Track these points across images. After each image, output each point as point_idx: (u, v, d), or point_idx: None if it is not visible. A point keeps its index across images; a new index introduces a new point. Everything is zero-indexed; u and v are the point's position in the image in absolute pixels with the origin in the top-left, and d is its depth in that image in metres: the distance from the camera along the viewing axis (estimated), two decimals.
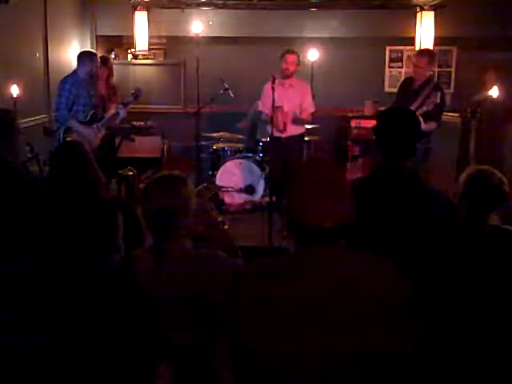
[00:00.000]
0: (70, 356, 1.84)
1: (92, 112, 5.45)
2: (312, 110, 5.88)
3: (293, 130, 5.82)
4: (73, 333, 1.85)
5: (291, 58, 5.70)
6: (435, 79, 6.14)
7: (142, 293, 2.02)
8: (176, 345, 2.05)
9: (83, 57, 5.53)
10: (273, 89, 5.15)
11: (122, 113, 5.65)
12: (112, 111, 5.82)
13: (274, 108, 5.24)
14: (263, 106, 5.89)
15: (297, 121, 5.81)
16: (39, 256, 2.11)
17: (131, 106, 5.86)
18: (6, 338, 1.87)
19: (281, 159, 5.55)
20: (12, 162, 3.13)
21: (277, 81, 5.38)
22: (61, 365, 1.85)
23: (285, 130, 5.69)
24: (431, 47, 7.29)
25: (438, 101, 5.08)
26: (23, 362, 1.86)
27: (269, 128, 5.60)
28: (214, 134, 6.98)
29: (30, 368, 1.86)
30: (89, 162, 2.79)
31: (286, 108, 5.67)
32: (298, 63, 5.77)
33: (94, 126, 5.42)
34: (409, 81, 5.65)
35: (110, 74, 6.50)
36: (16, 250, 2.62)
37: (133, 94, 5.74)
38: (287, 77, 5.73)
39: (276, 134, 5.46)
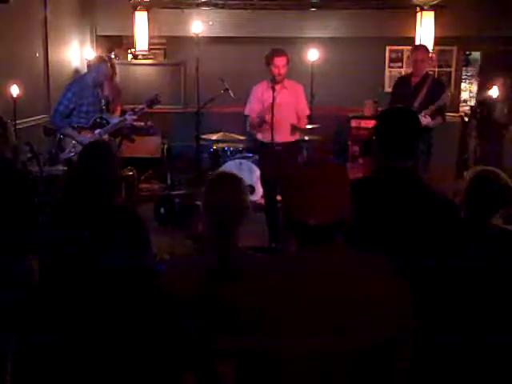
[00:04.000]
0: (95, 360, 1.83)
1: (96, 117, 5.18)
2: (308, 112, 5.41)
3: (287, 137, 5.23)
4: (98, 336, 1.84)
5: (282, 60, 5.03)
6: (434, 75, 6.09)
7: (177, 296, 2.00)
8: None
9: (95, 64, 5.40)
10: (273, 88, 4.95)
11: (130, 120, 5.35)
12: (117, 113, 5.72)
13: (273, 110, 4.94)
14: (251, 110, 5.32)
15: (295, 130, 5.25)
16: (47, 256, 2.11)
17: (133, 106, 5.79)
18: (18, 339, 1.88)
19: (274, 168, 4.89)
20: (13, 163, 3.12)
21: (266, 84, 5.09)
22: (86, 369, 1.84)
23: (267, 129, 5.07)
24: (431, 47, 7.30)
25: (449, 93, 5.17)
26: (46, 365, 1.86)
27: (259, 135, 5.32)
28: (214, 134, 6.99)
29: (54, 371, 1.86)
30: (114, 164, 2.76)
31: (280, 113, 5.05)
32: (289, 62, 5.09)
33: (97, 132, 5.15)
34: (405, 79, 5.64)
35: (114, 74, 6.45)
36: (19, 249, 2.62)
37: (147, 101, 5.39)
38: (280, 81, 5.09)
39: (267, 139, 5.10)
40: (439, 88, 5.42)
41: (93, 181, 2.61)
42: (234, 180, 2.31)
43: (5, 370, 2.38)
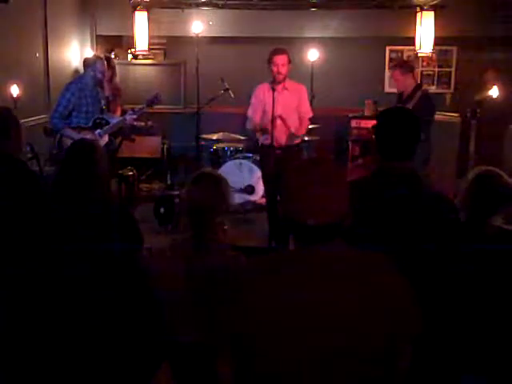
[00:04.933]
0: (74, 352, 1.84)
1: (96, 117, 5.15)
2: (310, 114, 5.23)
3: (289, 140, 5.10)
4: (80, 331, 1.85)
5: (282, 58, 4.91)
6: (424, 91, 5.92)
7: (155, 290, 2.03)
8: (179, 343, 2.05)
9: (89, 63, 5.36)
10: (273, 89, 4.87)
11: (129, 119, 5.32)
12: (118, 113, 5.69)
13: (273, 111, 4.83)
14: (253, 111, 5.22)
15: (292, 138, 5.08)
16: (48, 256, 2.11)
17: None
18: (11, 337, 1.88)
19: (274, 168, 4.89)
20: (25, 164, 3.11)
21: (268, 85, 5.00)
22: (64, 362, 1.85)
23: (270, 133, 4.95)
24: (431, 47, 7.31)
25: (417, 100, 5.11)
26: (27, 360, 1.87)
27: (259, 137, 5.25)
28: (214, 135, 6.98)
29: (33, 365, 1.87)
30: (97, 161, 2.73)
31: (281, 115, 4.98)
32: (290, 61, 4.98)
33: (97, 132, 5.12)
34: (400, 93, 5.66)
35: (114, 74, 6.43)
36: (32, 251, 2.61)
37: (147, 100, 5.37)
38: (280, 81, 4.98)
39: (267, 142, 5.02)
40: (426, 103, 5.37)
41: (75, 179, 2.58)
42: (213, 179, 2.32)
43: None
